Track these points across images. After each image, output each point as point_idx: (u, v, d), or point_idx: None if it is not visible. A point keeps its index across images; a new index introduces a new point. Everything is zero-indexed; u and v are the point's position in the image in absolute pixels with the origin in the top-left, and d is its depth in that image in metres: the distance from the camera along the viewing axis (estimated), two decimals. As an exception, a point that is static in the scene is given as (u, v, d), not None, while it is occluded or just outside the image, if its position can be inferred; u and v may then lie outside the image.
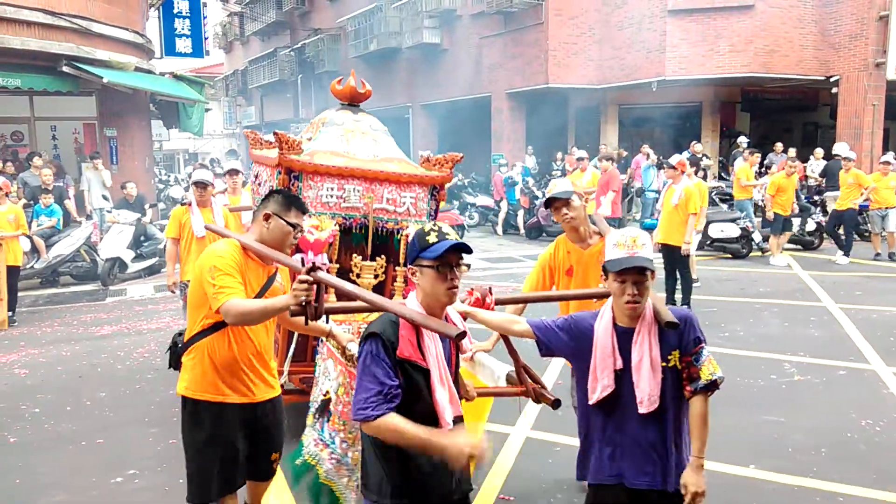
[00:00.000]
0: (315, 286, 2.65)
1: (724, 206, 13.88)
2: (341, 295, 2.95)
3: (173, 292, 7.29)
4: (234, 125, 41.32)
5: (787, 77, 17.90)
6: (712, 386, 2.68)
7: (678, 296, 8.61)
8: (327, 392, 3.49)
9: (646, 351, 2.64)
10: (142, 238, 11.94)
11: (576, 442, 2.95)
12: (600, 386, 2.69)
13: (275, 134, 4.44)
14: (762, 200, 13.09)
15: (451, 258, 2.47)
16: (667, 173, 8.83)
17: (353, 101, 4.94)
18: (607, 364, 2.68)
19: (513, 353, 3.53)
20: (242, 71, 36.47)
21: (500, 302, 3.31)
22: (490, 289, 3.23)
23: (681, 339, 2.65)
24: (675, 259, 8.48)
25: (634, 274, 2.60)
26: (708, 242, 12.77)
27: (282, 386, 3.65)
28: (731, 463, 4.67)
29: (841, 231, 12.28)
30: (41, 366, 7.19)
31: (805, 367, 6.63)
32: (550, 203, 4.13)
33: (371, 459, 2.52)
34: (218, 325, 3.13)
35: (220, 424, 3.19)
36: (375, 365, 2.41)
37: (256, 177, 5.30)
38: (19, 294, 9.47)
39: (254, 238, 3.21)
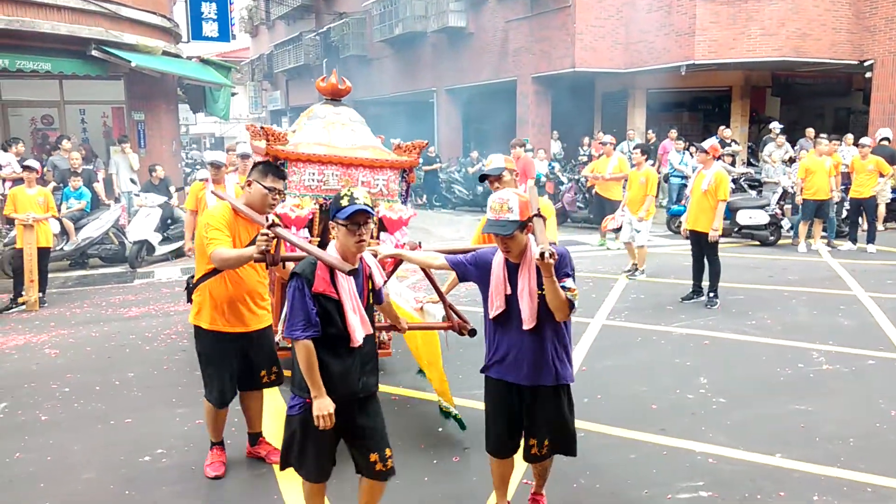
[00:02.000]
0: (274, 239, 3.51)
1: (753, 193, 13.71)
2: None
3: (190, 256, 8.41)
4: (259, 109, 41.48)
5: (820, 61, 17.52)
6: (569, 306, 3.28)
7: (705, 283, 8.52)
8: None
9: (526, 282, 3.33)
10: (168, 221, 12.06)
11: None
12: (495, 306, 3.42)
13: (262, 128, 5.28)
14: (792, 187, 12.87)
15: (357, 218, 3.11)
16: (698, 157, 8.68)
17: (334, 96, 5.63)
18: (500, 290, 3.40)
19: (439, 292, 4.38)
20: (268, 55, 36.56)
21: (441, 251, 4.04)
22: (420, 243, 4.32)
23: (556, 272, 3.18)
24: (703, 245, 8.37)
25: (497, 234, 3.28)
26: (736, 230, 12.61)
27: (276, 343, 4.72)
28: (758, 451, 4.63)
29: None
30: (71, 346, 7.31)
31: (834, 356, 6.53)
32: (484, 178, 4.82)
33: (296, 364, 3.21)
34: (217, 270, 4.02)
35: (219, 346, 4.19)
36: (301, 297, 3.14)
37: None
38: (49, 276, 9.61)
39: (243, 202, 4.04)
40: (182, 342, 7.27)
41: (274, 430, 4.67)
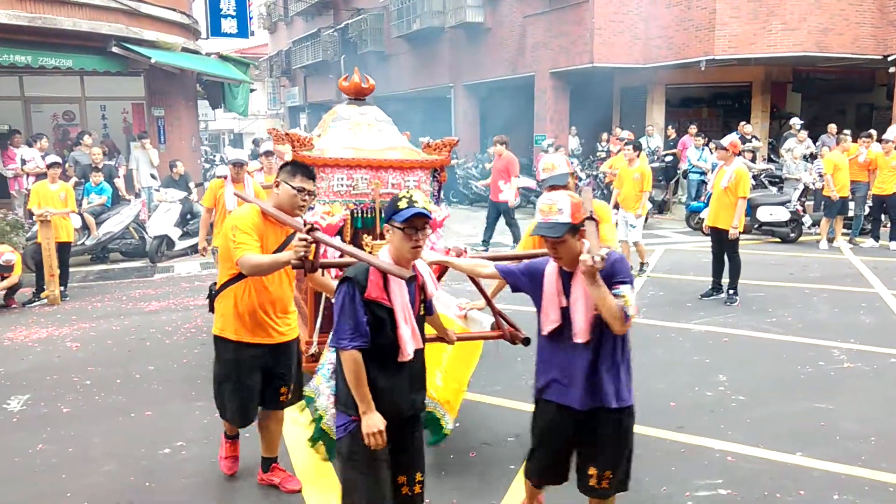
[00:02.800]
0: (313, 244, 3.27)
1: (773, 189, 13.56)
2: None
3: (203, 255, 8.11)
4: (277, 106, 41.65)
5: (842, 56, 17.28)
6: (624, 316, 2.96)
7: (725, 280, 8.45)
8: None
9: (580, 291, 3.05)
10: (188, 216, 12.15)
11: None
12: (549, 320, 3.15)
13: (287, 134, 5.03)
14: (813, 184, 12.73)
15: (416, 222, 2.91)
16: (718, 154, 8.60)
17: (358, 95, 5.42)
18: (554, 302, 3.13)
19: (489, 301, 4.07)
20: (286, 51, 36.67)
21: (487, 258, 3.87)
22: (466, 249, 3.99)
23: (609, 280, 2.95)
24: (723, 242, 8.30)
25: (547, 237, 3.02)
26: (756, 226, 12.50)
27: (312, 356, 4.52)
28: (778, 450, 4.59)
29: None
30: (92, 339, 7.39)
31: (855, 355, 6.46)
32: (550, 187, 4.40)
33: (342, 378, 2.98)
34: (241, 276, 3.72)
35: (239, 359, 3.86)
36: (351, 303, 2.90)
37: None
38: (70, 270, 9.72)
39: (272, 204, 3.77)
40: (201, 336, 7.32)
41: (281, 448, 4.37)
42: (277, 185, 3.73)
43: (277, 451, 4.26)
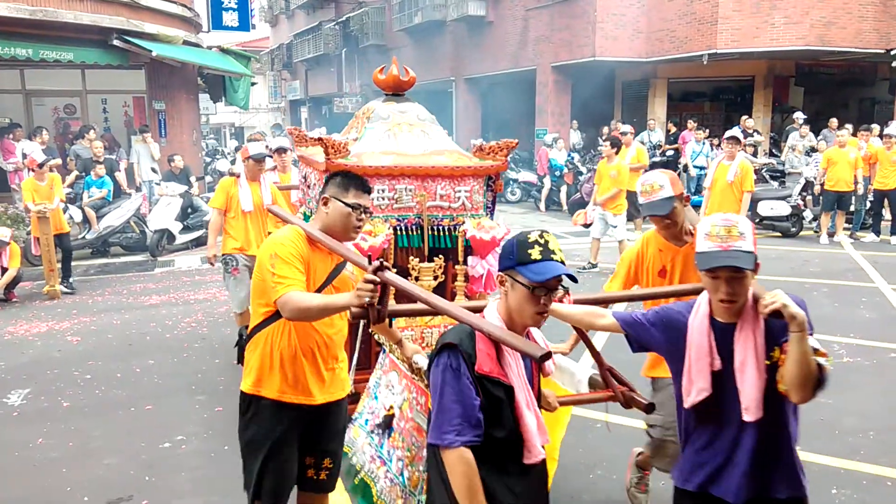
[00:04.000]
0: (380, 286, 2.47)
1: (775, 184, 13.56)
2: (401, 296, 2.77)
3: (212, 265, 6.72)
4: (279, 99, 41.61)
5: (845, 50, 17.25)
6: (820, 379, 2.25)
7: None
8: (391, 407, 3.21)
9: (750, 350, 2.27)
10: (189, 210, 12.16)
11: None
12: (695, 389, 2.36)
13: (320, 139, 4.23)
14: (814, 178, 12.71)
15: (553, 283, 2.22)
16: (729, 146, 8.51)
17: (396, 91, 4.68)
18: (703, 365, 2.34)
19: (596, 354, 3.16)
20: (287, 45, 36.63)
21: (578, 302, 2.91)
22: (568, 291, 2.86)
23: (787, 330, 2.19)
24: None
25: (729, 270, 2.25)
26: (757, 220, 12.49)
27: (349, 395, 3.35)
28: (776, 444, 4.59)
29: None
30: (92, 333, 7.40)
31: (855, 349, 6.46)
32: (654, 216, 3.42)
33: (438, 482, 2.23)
34: (279, 314, 2.89)
35: (280, 425, 2.96)
36: (456, 380, 2.17)
37: (305, 178, 5.01)
38: (72, 263, 9.72)
39: (317, 227, 2.98)
40: (202, 330, 7.33)
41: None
42: (325, 203, 2.96)
43: None
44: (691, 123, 16.30)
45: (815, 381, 2.22)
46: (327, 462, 3.13)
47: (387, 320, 2.70)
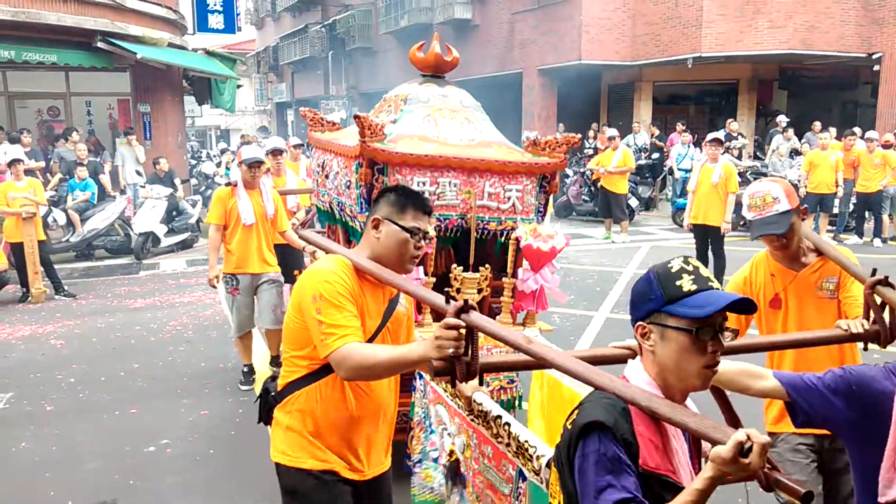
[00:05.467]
0: (466, 333, 1.88)
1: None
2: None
3: (214, 287, 5.85)
4: (265, 102, 41.52)
5: (828, 54, 17.44)
6: None
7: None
8: (452, 452, 2.84)
9: None
10: (174, 213, 12.10)
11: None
12: None
13: (356, 117, 3.62)
14: (798, 180, 12.81)
15: (717, 318, 1.59)
16: (711, 149, 8.54)
17: (437, 72, 4.18)
18: None
19: (736, 423, 1.96)
20: (273, 47, 36.59)
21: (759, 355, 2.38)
22: (738, 333, 2.09)
23: None
24: (710, 239, 8.39)
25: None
26: (741, 223, 12.56)
27: None
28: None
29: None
30: (76, 337, 7.34)
31: (839, 350, 6.51)
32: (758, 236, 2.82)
33: None
34: (321, 371, 2.34)
35: (332, 499, 2.39)
36: (615, 474, 1.49)
37: (322, 166, 4.44)
38: (55, 267, 9.57)
39: (366, 255, 2.40)
40: (187, 333, 7.29)
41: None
42: (376, 226, 2.41)
43: None
44: (680, 126, 16.40)
45: None
46: None
47: (477, 378, 2.09)
